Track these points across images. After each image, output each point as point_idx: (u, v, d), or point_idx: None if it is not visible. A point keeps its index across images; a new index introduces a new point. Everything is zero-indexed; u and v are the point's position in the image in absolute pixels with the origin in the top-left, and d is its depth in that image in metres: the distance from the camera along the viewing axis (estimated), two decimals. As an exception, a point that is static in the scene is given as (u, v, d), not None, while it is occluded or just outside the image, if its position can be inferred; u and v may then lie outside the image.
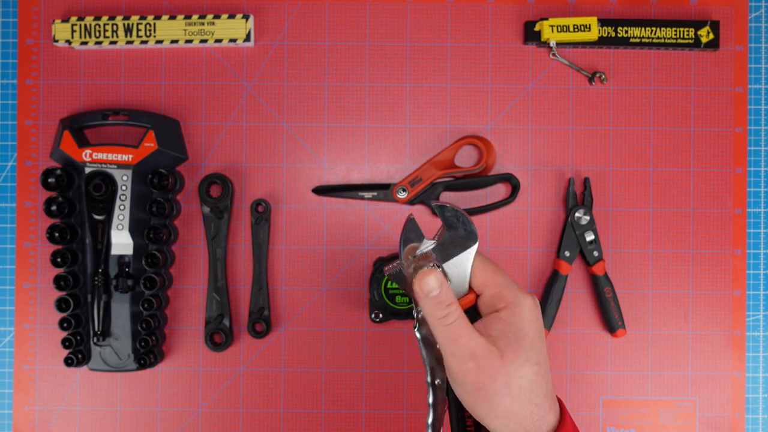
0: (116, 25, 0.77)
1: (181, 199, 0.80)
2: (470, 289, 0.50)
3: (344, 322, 0.79)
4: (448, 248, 0.49)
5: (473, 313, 0.50)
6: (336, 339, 0.79)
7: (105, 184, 0.74)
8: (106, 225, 0.75)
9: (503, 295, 0.49)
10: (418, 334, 0.51)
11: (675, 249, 0.80)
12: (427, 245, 0.49)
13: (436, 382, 0.51)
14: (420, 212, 0.79)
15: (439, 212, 0.49)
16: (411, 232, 0.49)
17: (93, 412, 0.79)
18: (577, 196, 0.79)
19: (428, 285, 0.48)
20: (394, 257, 0.76)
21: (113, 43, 0.78)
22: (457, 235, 0.49)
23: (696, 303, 0.80)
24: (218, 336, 0.78)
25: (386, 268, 0.50)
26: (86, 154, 0.74)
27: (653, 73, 0.80)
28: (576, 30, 0.77)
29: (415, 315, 0.50)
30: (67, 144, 0.74)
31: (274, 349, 0.79)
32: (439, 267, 0.49)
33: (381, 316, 0.76)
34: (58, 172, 0.73)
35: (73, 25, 0.77)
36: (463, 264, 0.50)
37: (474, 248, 0.49)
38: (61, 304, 0.74)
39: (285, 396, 0.79)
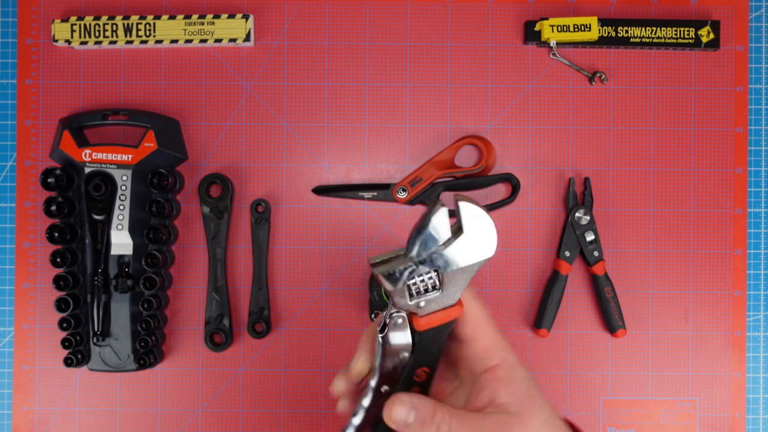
0: (116, 24, 0.77)
1: (180, 199, 0.79)
2: (458, 300, 0.44)
3: (344, 322, 0.79)
4: (461, 254, 0.42)
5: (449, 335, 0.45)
6: (336, 339, 0.79)
7: (105, 184, 0.74)
8: (106, 225, 0.74)
9: (495, 350, 0.44)
10: (380, 339, 0.44)
11: (675, 249, 0.80)
12: (442, 243, 0.42)
13: (382, 389, 0.45)
14: (419, 211, 0.79)
15: (460, 211, 0.42)
16: (431, 225, 0.42)
17: (93, 412, 0.79)
18: (578, 196, 0.79)
19: (399, 415, 0.42)
20: None
21: (113, 42, 0.78)
22: (476, 241, 0.42)
23: (696, 303, 0.80)
24: (218, 336, 0.78)
25: (381, 268, 0.42)
26: (86, 154, 0.74)
27: (654, 73, 0.80)
28: (576, 30, 0.77)
29: (386, 318, 0.44)
30: (67, 144, 0.74)
31: (274, 349, 0.79)
32: (437, 273, 0.42)
33: (381, 316, 0.75)
34: (58, 172, 0.73)
35: (72, 25, 0.77)
36: (466, 274, 0.43)
37: (486, 261, 0.43)
38: (60, 304, 0.74)
39: (285, 396, 0.79)
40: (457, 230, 0.42)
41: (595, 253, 0.78)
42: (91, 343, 0.76)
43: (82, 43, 0.77)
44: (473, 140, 0.78)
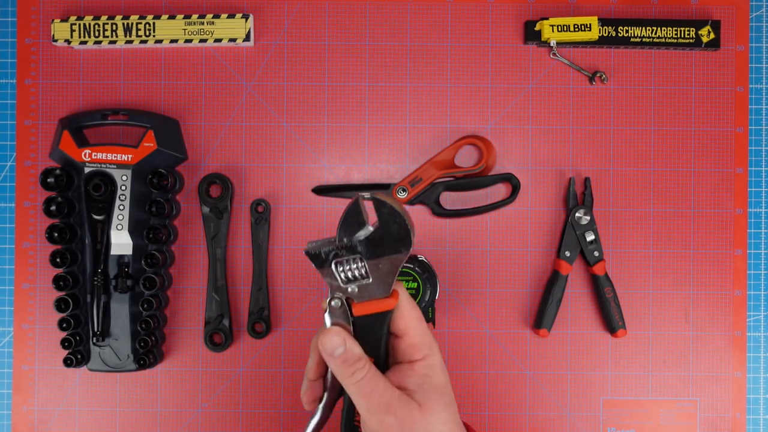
0: (115, 24, 0.77)
1: (180, 199, 0.79)
2: (392, 292, 0.48)
3: (344, 322, 0.79)
4: (379, 245, 0.47)
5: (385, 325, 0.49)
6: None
7: (104, 184, 0.73)
8: (106, 225, 0.74)
9: (421, 347, 0.49)
10: (325, 321, 0.49)
11: (676, 249, 0.80)
12: (362, 234, 0.47)
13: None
14: (419, 211, 0.79)
15: (376, 207, 0.47)
16: (352, 216, 0.47)
17: (92, 412, 0.79)
18: (578, 196, 0.79)
19: (331, 344, 0.47)
20: None
21: (112, 42, 0.77)
22: (391, 236, 0.47)
23: (697, 303, 0.79)
24: (218, 336, 0.78)
25: (309, 246, 0.47)
26: (85, 154, 0.74)
27: (654, 73, 0.80)
28: (576, 29, 0.77)
29: (327, 301, 0.48)
30: (67, 144, 0.74)
31: (274, 349, 0.79)
32: (362, 261, 0.47)
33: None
34: (58, 172, 0.73)
35: (72, 25, 0.77)
36: (390, 267, 0.47)
37: (404, 256, 0.47)
38: (60, 305, 0.74)
39: (285, 396, 0.79)
40: (374, 223, 0.47)
41: (596, 253, 0.78)
42: (91, 343, 0.75)
43: (82, 42, 0.77)
44: (473, 140, 0.78)
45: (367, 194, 0.48)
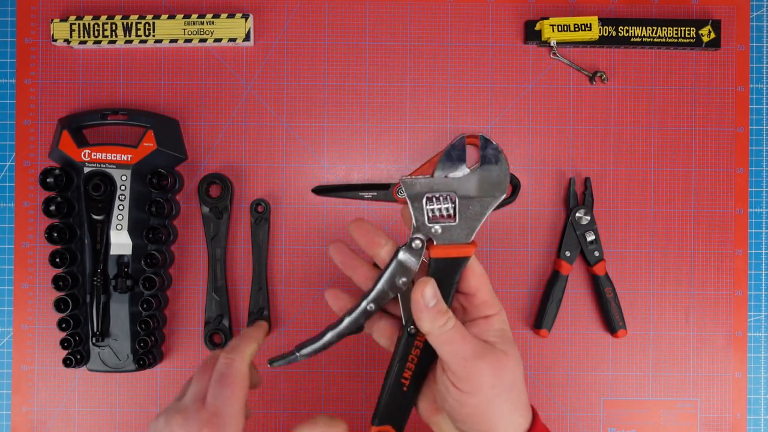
0: (115, 24, 0.77)
1: (180, 199, 0.79)
2: (472, 241, 0.49)
3: (344, 322, 0.79)
4: (474, 186, 0.49)
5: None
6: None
7: (104, 184, 0.73)
8: (105, 225, 0.74)
9: (493, 303, 0.51)
10: (397, 253, 0.50)
11: (676, 249, 0.79)
12: (460, 173, 0.49)
13: (368, 307, 0.51)
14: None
15: (482, 145, 0.48)
16: (455, 151, 0.48)
17: (92, 413, 0.79)
18: (578, 196, 0.79)
19: (428, 296, 0.48)
20: None
21: (112, 42, 0.77)
22: (489, 177, 0.49)
23: (697, 303, 0.79)
24: (218, 336, 0.78)
25: (405, 177, 0.49)
26: (85, 154, 0.74)
27: (654, 73, 0.80)
28: (577, 29, 0.77)
29: (409, 237, 0.49)
30: (66, 144, 0.74)
31: (273, 350, 0.79)
32: (453, 201, 0.48)
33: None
34: (57, 171, 0.73)
35: (71, 25, 0.77)
36: (480, 210, 0.49)
37: (497, 200, 0.49)
38: (59, 305, 0.73)
39: (285, 396, 0.79)
40: (474, 163, 0.49)
41: (596, 253, 0.77)
42: (90, 343, 0.75)
43: (81, 42, 0.77)
44: (473, 140, 0.78)
45: (466, 135, 0.50)
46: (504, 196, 0.49)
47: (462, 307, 0.53)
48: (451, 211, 0.49)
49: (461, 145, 0.49)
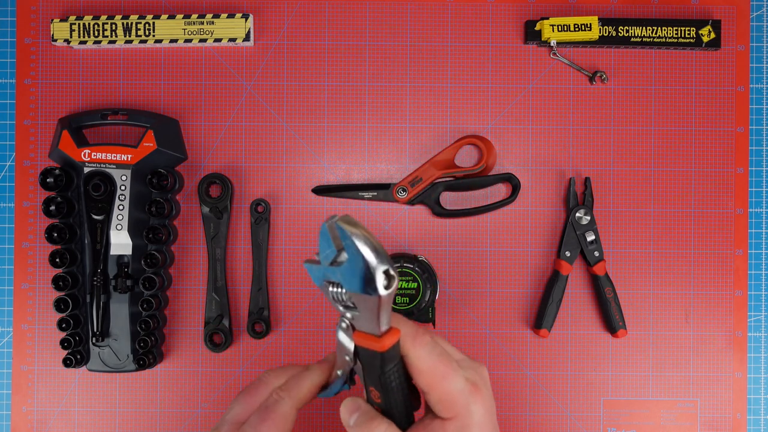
0: (115, 24, 0.77)
1: (180, 199, 0.79)
2: (384, 333, 0.41)
3: (344, 322, 0.79)
4: (353, 278, 0.39)
5: (393, 358, 0.43)
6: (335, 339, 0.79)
7: (104, 184, 0.73)
8: (105, 225, 0.74)
9: (450, 404, 0.43)
10: (341, 337, 0.44)
11: (676, 249, 0.79)
12: (338, 260, 0.40)
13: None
14: (419, 211, 0.79)
15: (341, 237, 0.38)
16: (323, 240, 0.40)
17: (92, 413, 0.79)
18: (578, 196, 0.79)
19: (344, 417, 0.45)
20: (394, 257, 0.76)
21: (112, 42, 0.77)
22: (359, 273, 0.38)
23: (697, 303, 0.79)
24: (218, 336, 0.78)
25: (307, 261, 0.41)
26: (85, 154, 0.74)
27: (654, 73, 0.80)
28: (577, 29, 0.77)
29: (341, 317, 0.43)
30: (66, 144, 0.74)
31: (273, 350, 0.79)
32: (343, 288, 0.40)
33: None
34: (57, 171, 0.73)
35: (71, 25, 0.77)
36: (370, 304, 0.39)
37: (374, 299, 0.38)
38: (59, 305, 0.73)
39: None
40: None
41: (596, 254, 0.77)
42: (90, 343, 0.75)
43: (81, 42, 0.77)
44: (473, 140, 0.78)
45: (336, 218, 0.39)
46: (384, 294, 0.38)
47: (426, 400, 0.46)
48: (350, 302, 0.41)
49: (325, 234, 0.39)
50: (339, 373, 0.46)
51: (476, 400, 0.43)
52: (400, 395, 0.44)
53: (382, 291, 0.37)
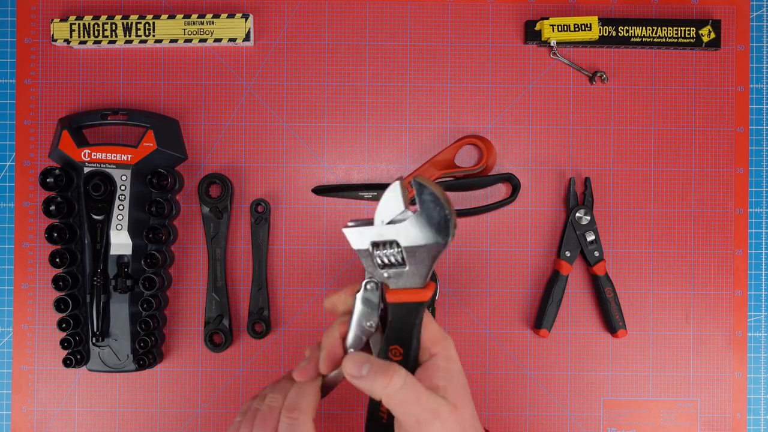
0: (115, 24, 0.77)
1: (180, 199, 0.79)
2: (428, 283, 0.47)
3: (344, 322, 0.79)
4: (417, 232, 0.45)
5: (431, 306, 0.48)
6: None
7: (104, 184, 0.73)
8: (105, 225, 0.74)
9: (438, 341, 0.49)
10: (355, 300, 0.48)
11: (676, 249, 0.79)
12: (401, 218, 0.45)
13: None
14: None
15: (417, 192, 0.44)
16: (391, 199, 0.45)
17: (92, 413, 0.79)
18: (578, 196, 0.79)
19: (352, 365, 0.46)
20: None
21: (112, 42, 0.77)
22: (430, 223, 0.45)
23: (697, 303, 0.79)
24: (218, 336, 0.78)
25: (350, 224, 0.46)
26: (85, 154, 0.74)
27: (654, 73, 0.80)
28: (577, 29, 0.77)
29: (364, 283, 0.48)
30: (66, 144, 0.74)
31: (273, 350, 0.79)
32: (399, 247, 0.45)
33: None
34: (57, 171, 0.73)
35: (71, 25, 0.77)
36: (427, 255, 0.45)
37: (442, 246, 0.45)
38: (59, 305, 0.73)
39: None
40: (415, 208, 0.45)
41: (596, 254, 0.77)
42: (90, 343, 0.75)
43: (81, 42, 0.77)
44: (473, 140, 0.78)
45: (402, 178, 0.45)
46: (450, 240, 0.45)
47: None
48: (399, 258, 0.46)
49: (396, 193, 0.45)
50: (351, 348, 0.49)
51: (449, 338, 0.50)
52: (418, 344, 0.48)
53: (452, 236, 0.44)
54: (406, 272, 0.46)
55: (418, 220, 0.45)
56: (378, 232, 0.45)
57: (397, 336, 0.47)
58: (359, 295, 0.48)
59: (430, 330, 0.49)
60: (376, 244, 0.46)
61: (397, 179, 0.45)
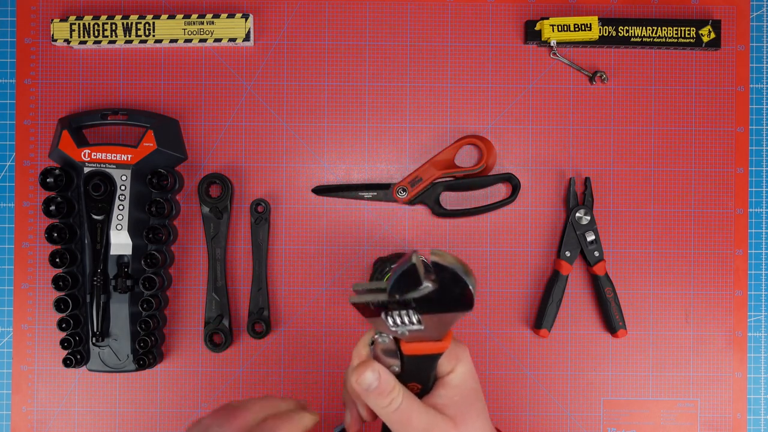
0: (115, 24, 0.77)
1: (180, 199, 0.79)
2: (447, 334, 0.45)
3: (344, 322, 0.79)
4: (437, 304, 0.42)
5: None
6: (336, 339, 0.79)
7: (104, 184, 0.73)
8: (105, 225, 0.74)
9: (448, 359, 0.48)
10: (371, 350, 0.47)
11: (676, 249, 0.79)
12: (418, 293, 0.41)
13: None
14: (419, 211, 0.79)
15: (436, 271, 0.41)
16: (407, 277, 0.41)
17: (92, 413, 0.79)
18: (578, 196, 0.79)
19: (365, 381, 0.45)
20: (395, 256, 0.76)
21: (112, 42, 0.77)
22: (452, 298, 0.41)
23: (697, 303, 0.79)
24: (218, 336, 0.78)
25: (356, 295, 0.43)
26: (85, 154, 0.74)
27: (654, 73, 0.80)
28: (577, 29, 0.77)
29: (374, 336, 0.46)
30: (66, 144, 0.74)
31: (273, 350, 0.79)
32: (415, 314, 0.42)
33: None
34: (57, 171, 0.73)
35: (71, 25, 0.77)
36: (448, 319, 0.43)
37: (464, 313, 0.43)
38: (59, 305, 0.73)
39: (285, 396, 0.79)
40: (432, 282, 0.41)
41: (596, 254, 0.77)
42: (90, 343, 0.75)
43: (81, 42, 0.77)
44: (473, 140, 0.78)
45: (421, 256, 0.42)
46: (472, 308, 0.42)
47: None
48: (415, 320, 0.43)
49: (413, 272, 0.41)
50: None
51: (460, 345, 0.49)
52: (435, 377, 0.48)
53: (473, 306, 0.42)
54: (423, 331, 0.44)
55: (437, 295, 0.41)
56: (392, 303, 0.42)
57: (415, 377, 0.47)
58: (373, 351, 0.47)
59: (445, 354, 0.48)
60: (389, 313, 0.43)
61: (412, 253, 0.41)
